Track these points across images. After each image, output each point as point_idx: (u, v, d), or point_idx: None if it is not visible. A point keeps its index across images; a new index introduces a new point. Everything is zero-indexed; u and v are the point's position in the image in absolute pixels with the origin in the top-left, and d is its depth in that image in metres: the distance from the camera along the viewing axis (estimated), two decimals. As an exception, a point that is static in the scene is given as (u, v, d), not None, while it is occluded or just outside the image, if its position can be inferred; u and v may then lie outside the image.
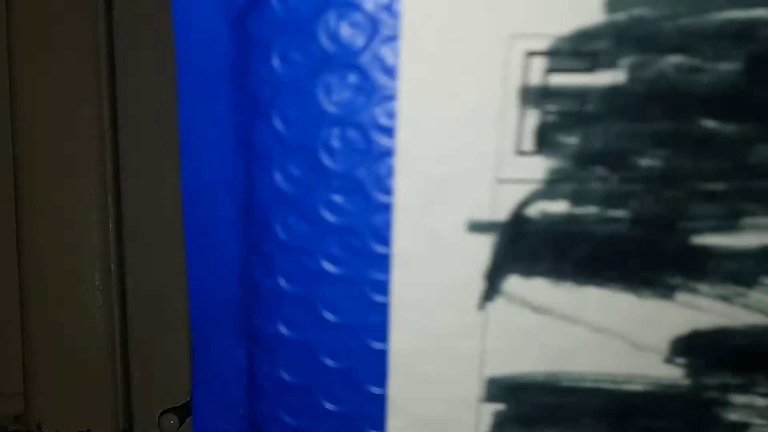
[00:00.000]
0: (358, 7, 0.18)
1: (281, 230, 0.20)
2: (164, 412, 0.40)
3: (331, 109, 0.19)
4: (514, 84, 0.18)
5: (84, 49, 0.45)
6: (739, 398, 0.22)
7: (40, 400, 0.49)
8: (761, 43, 0.18)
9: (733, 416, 0.23)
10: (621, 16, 0.18)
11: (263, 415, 0.23)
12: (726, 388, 0.22)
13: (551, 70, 0.18)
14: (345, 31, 0.18)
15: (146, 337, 0.49)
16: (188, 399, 0.43)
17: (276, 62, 0.19)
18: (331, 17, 0.18)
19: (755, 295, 0.21)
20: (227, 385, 0.23)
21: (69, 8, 0.44)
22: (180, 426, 0.39)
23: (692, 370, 0.22)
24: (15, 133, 0.46)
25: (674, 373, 0.22)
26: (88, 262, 0.47)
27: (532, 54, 0.18)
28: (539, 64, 0.18)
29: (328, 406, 0.22)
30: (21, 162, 0.46)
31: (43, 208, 0.47)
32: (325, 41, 0.18)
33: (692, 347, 0.21)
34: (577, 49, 0.18)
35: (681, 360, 0.22)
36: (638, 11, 0.18)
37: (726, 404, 0.22)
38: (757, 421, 0.23)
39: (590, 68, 0.18)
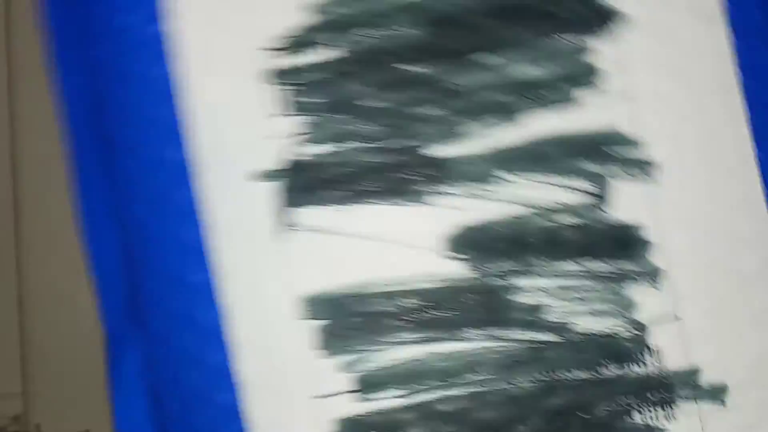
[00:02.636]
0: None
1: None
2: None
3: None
4: (263, 67, 0.26)
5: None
6: (523, 282, 0.26)
7: (38, 401, 0.49)
8: (424, 15, 0.26)
9: (525, 299, 0.26)
10: (321, 17, 0.26)
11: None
12: (508, 274, 0.26)
13: (287, 56, 0.26)
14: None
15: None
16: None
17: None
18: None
19: (492, 188, 0.26)
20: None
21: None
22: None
23: (471, 263, 0.26)
24: (14, 132, 0.47)
25: (457, 268, 0.26)
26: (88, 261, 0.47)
27: (272, 49, 0.26)
28: (277, 55, 0.27)
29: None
30: (20, 162, 0.46)
31: (42, 207, 0.47)
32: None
33: (462, 242, 0.26)
34: (299, 41, 0.26)
35: (457, 255, 0.26)
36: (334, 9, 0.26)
37: (514, 289, 0.26)
38: (549, 301, 0.26)
39: (311, 50, 0.26)
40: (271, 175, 0.26)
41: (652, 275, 0.26)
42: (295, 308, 0.26)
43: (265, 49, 0.26)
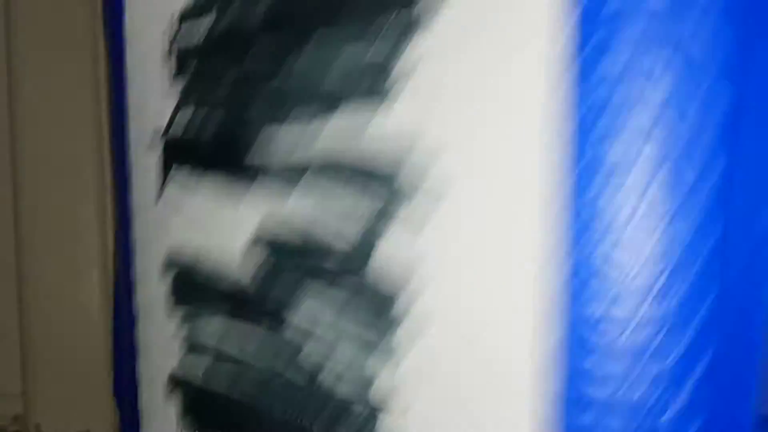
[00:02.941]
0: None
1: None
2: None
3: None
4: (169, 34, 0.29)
5: (83, 48, 0.45)
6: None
7: (38, 401, 0.48)
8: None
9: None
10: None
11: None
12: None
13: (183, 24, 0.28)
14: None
15: (144, 337, 0.48)
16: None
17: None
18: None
19: (298, 190, 0.24)
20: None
21: (68, 8, 0.45)
22: (176, 427, 0.39)
23: (269, 260, 0.25)
24: (14, 132, 0.47)
25: (258, 262, 0.25)
26: (88, 262, 0.47)
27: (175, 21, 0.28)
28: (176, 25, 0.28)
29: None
30: (20, 162, 0.47)
31: (42, 207, 0.47)
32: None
33: (266, 237, 0.25)
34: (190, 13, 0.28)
35: (261, 249, 0.25)
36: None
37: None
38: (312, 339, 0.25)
39: (201, 16, 0.28)
40: (161, 135, 0.29)
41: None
42: (162, 261, 0.29)
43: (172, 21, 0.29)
